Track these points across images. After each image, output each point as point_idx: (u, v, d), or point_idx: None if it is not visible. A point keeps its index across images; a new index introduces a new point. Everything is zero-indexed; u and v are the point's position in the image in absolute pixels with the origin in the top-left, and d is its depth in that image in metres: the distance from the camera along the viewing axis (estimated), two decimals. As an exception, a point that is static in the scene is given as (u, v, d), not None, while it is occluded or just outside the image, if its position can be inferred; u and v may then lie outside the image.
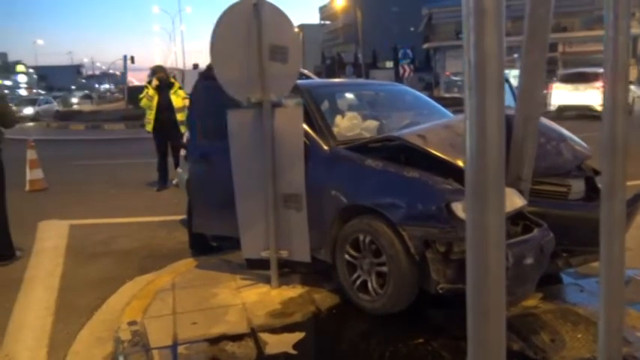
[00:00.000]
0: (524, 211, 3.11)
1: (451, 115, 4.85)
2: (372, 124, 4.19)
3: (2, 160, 4.91)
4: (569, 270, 3.72)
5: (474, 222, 1.20)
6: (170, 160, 8.25)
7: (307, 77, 5.21)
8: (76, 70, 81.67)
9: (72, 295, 4.15)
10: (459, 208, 2.97)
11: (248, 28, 3.56)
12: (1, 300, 4.07)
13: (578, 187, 3.54)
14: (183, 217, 5.62)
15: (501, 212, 1.20)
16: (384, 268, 3.26)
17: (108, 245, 5.48)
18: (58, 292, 4.24)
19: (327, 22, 72.39)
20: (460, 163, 3.12)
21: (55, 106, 32.03)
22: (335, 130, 3.92)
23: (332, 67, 50.72)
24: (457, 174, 3.12)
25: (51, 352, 3.23)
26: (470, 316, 1.22)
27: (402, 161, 3.42)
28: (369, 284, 3.39)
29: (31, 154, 8.75)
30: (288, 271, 4.02)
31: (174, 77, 9.04)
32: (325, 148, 3.74)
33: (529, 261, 2.90)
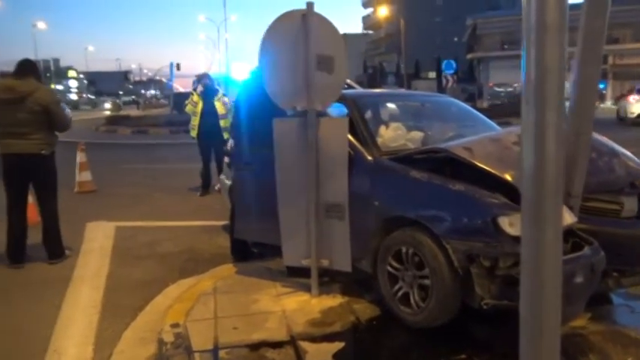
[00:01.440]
0: (575, 229, 3.04)
1: (497, 127, 4.81)
2: (417, 135, 4.19)
3: (55, 163, 5.10)
4: (620, 290, 3.59)
5: (530, 238, 1.19)
6: (213, 166, 8.41)
7: (350, 87, 5.24)
8: (123, 75, 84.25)
9: (117, 294, 4.27)
10: (505, 223, 2.93)
11: (296, 38, 3.61)
12: (50, 297, 4.22)
13: (631, 204, 3.43)
14: (225, 222, 5.72)
15: (558, 228, 1.18)
16: (427, 281, 3.24)
17: (152, 248, 5.62)
18: (103, 291, 4.37)
19: (370, 32, 72.58)
20: (508, 177, 3.09)
21: (69, 113, 33.03)
22: (379, 140, 3.93)
23: (374, 76, 50.77)
24: (504, 188, 3.09)
25: (97, 349, 3.32)
26: (522, 335, 1.20)
27: (448, 174, 3.40)
28: (411, 297, 3.37)
29: (81, 157, 9.06)
30: (328, 279, 4.03)
31: (218, 84, 9.21)
32: (369, 158, 3.75)
33: (579, 280, 2.83)
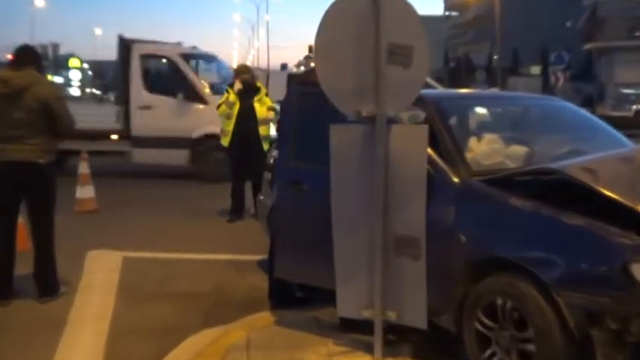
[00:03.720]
0: None
1: (628, 142, 4.72)
2: (519, 150, 4.16)
3: (54, 175, 5.26)
4: None
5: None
6: (248, 184, 8.56)
7: (428, 86, 5.25)
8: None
9: (124, 343, 4.37)
10: (641, 272, 2.90)
11: (363, 23, 3.65)
12: (41, 344, 4.36)
13: None
14: (262, 257, 5.79)
15: None
16: (530, 346, 3.21)
17: (168, 285, 5.75)
18: (107, 338, 4.48)
19: (454, 14, 72.43)
20: (645, 210, 3.07)
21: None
22: (469, 156, 3.93)
23: (457, 71, 50.46)
24: (638, 224, 3.06)
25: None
26: None
27: (560, 202, 3.36)
28: (508, 366, 3.33)
29: (82, 168, 9.39)
30: (395, 338, 4.00)
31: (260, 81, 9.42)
32: (455, 179, 3.75)
33: None
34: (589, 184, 3.22)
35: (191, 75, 12.63)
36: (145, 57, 12.77)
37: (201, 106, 12.27)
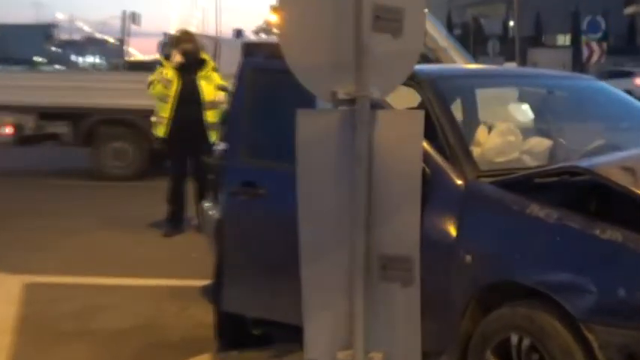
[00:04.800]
0: None
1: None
2: (541, 143, 4.21)
3: None
4: None
5: None
6: (191, 186, 8.56)
7: (425, 60, 5.28)
8: (44, 32, 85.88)
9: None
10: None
11: (339, -23, 3.65)
12: None
13: None
14: (207, 282, 5.77)
15: None
16: (553, 397, 3.23)
17: (85, 321, 5.70)
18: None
19: (459, -33, 72.82)
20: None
21: None
22: (476, 151, 3.96)
23: (464, 40, 50.62)
24: None
25: None
26: None
27: (592, 211, 3.41)
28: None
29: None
30: (381, 387, 4.01)
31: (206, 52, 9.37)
32: (458, 182, 3.78)
33: None
34: (629, 189, 3.25)
35: None
36: None
37: None
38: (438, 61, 7.34)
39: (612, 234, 3.21)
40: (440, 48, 9.15)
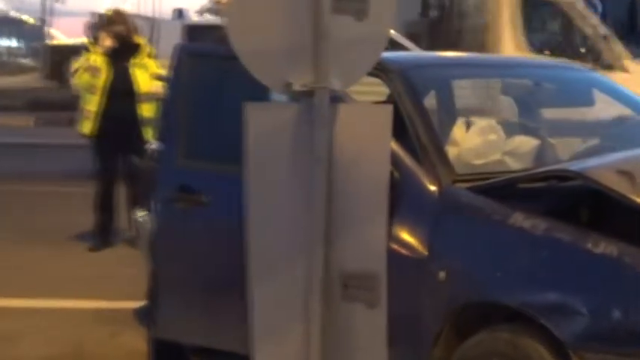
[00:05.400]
0: None
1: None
2: (527, 143, 4.24)
3: None
4: None
5: None
6: (122, 192, 8.52)
7: (397, 47, 5.28)
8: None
9: None
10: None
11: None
12: None
13: None
14: (141, 305, 5.76)
15: None
16: None
17: (1, 349, 5.62)
18: None
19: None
20: None
21: None
22: (452, 152, 3.99)
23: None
24: None
25: None
26: None
27: (585, 221, 3.44)
28: None
29: None
30: None
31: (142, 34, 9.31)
32: (431, 187, 3.80)
33: None
34: (627, 196, 3.27)
35: None
36: None
37: None
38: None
39: (607, 248, 3.24)
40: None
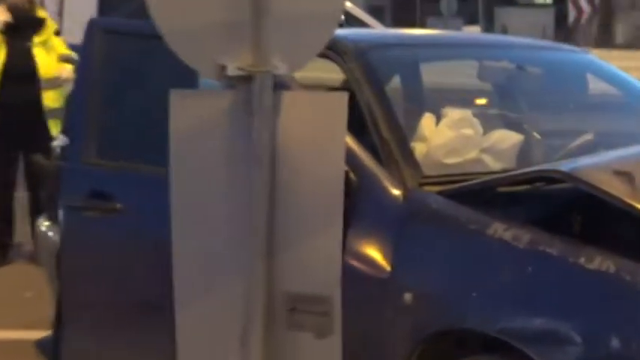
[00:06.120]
0: None
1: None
2: (508, 138, 4.27)
3: None
4: None
5: None
6: (22, 196, 8.49)
7: (357, 23, 5.29)
8: None
9: None
10: None
11: None
12: None
13: None
14: (46, 333, 5.69)
15: None
16: None
17: None
18: None
19: None
20: None
21: None
22: (419, 149, 4.01)
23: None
24: None
25: None
26: None
27: (576, 231, 3.47)
28: None
29: None
30: None
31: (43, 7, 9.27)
32: (395, 192, 3.80)
33: None
34: (625, 201, 3.30)
35: None
36: None
37: None
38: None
39: (602, 263, 3.25)
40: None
